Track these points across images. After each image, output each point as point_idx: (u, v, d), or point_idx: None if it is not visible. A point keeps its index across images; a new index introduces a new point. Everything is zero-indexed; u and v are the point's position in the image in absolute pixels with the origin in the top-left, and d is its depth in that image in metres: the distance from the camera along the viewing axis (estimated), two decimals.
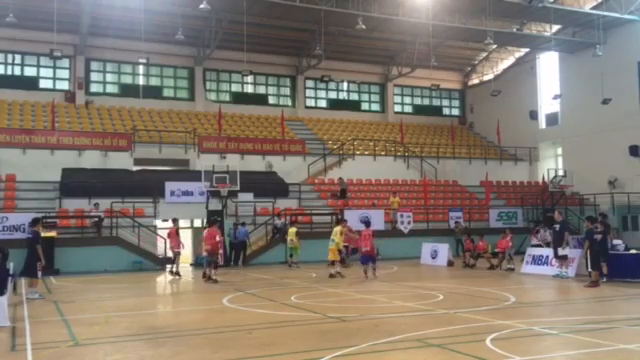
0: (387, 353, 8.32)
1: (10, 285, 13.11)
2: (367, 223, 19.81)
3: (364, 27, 29.33)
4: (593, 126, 34.21)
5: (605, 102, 32.09)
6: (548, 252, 19.08)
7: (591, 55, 33.02)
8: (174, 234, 20.57)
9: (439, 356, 8.17)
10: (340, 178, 30.87)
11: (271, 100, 40.26)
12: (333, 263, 19.21)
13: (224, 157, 30.18)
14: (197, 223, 27.55)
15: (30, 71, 34.57)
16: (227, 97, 38.86)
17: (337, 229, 19.84)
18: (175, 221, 21.00)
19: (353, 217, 27.12)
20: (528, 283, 17.24)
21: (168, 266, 21.81)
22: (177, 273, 20.25)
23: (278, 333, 9.92)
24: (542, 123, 39.22)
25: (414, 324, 10.40)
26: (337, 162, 33.67)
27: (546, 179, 33.47)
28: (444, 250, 23.62)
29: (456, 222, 28.15)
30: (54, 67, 34.46)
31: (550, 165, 36.96)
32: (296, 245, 23.32)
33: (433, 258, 23.91)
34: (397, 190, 30.50)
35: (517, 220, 30.63)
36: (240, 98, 38.86)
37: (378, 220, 26.93)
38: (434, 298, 13.65)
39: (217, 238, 18.73)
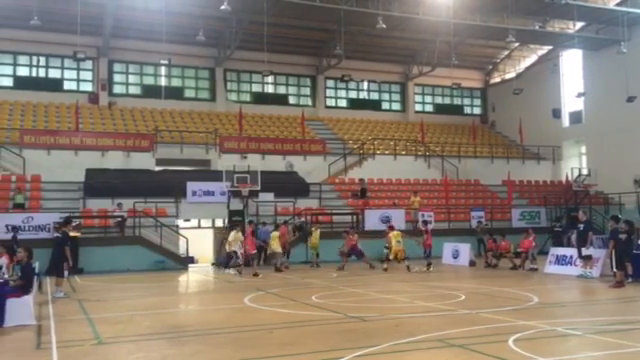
0: (408, 353, 8.29)
1: (35, 284, 13.34)
2: (425, 223, 22.51)
3: (384, 26, 29.22)
4: (618, 124, 33.64)
5: (630, 100, 31.57)
6: (572, 252, 18.85)
7: (615, 52, 32.50)
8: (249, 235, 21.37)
9: (461, 356, 8.11)
10: (361, 179, 30.85)
11: (291, 100, 40.34)
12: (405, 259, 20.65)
13: (245, 157, 30.30)
14: (218, 223, 27.69)
15: (54, 73, 35.11)
16: (248, 97, 39.04)
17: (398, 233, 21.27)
18: (250, 222, 22.43)
19: (374, 217, 27.13)
20: (551, 283, 17.04)
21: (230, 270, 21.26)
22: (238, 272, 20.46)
23: (299, 333, 9.95)
24: (565, 121, 38.71)
25: (435, 324, 10.35)
26: (357, 162, 33.62)
27: (570, 178, 33.04)
28: (466, 250, 23.45)
29: (478, 222, 27.95)
30: (78, 69, 34.95)
31: (574, 164, 36.47)
32: (313, 244, 23.66)
33: (455, 258, 23.76)
34: (418, 190, 30.39)
35: (540, 220, 30.29)
36: (260, 98, 39.01)
37: (399, 220, 26.86)
38: (456, 298, 13.57)
39: (286, 237, 22.84)
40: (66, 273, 15.46)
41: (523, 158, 37.60)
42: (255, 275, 19.60)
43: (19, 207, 23.55)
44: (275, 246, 21.66)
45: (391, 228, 21.87)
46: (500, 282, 16.97)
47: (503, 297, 13.89)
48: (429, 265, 20.78)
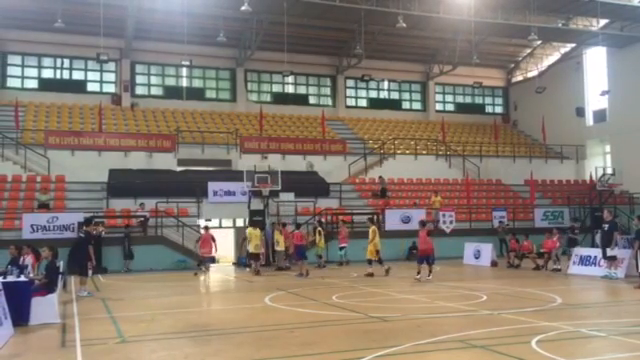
0: (430, 354, 8.25)
1: (60, 283, 13.53)
2: (422, 223, 19.03)
3: (404, 25, 29.14)
4: None
5: None
6: (596, 252, 18.60)
7: None
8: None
9: (483, 357, 8.06)
10: (380, 177, 30.78)
11: (312, 100, 40.38)
12: (370, 262, 19.48)
13: (265, 157, 30.42)
14: (239, 223, 27.85)
15: (78, 75, 35.58)
16: (268, 97, 39.17)
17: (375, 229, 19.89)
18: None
19: (394, 217, 27.05)
20: (575, 284, 16.84)
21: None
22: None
23: (320, 332, 9.96)
24: (589, 120, 38.16)
25: (457, 325, 10.28)
26: (378, 161, 33.54)
27: (594, 177, 32.58)
28: (487, 250, 23.26)
29: (500, 222, 27.71)
30: (101, 70, 35.40)
31: (598, 163, 35.95)
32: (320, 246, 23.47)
33: (476, 258, 23.59)
34: (439, 189, 30.21)
35: (563, 219, 29.92)
36: (281, 98, 39.12)
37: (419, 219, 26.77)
38: (477, 299, 13.47)
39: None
40: (90, 272, 15.64)
41: (546, 157, 37.19)
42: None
43: (44, 207, 23.92)
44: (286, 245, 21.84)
45: (371, 221, 21.16)
46: (522, 282, 16.81)
47: (526, 298, 13.75)
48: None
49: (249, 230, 21.51)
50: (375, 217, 25.07)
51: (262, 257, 22.10)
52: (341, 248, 23.91)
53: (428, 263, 17.88)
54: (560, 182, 35.36)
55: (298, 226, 22.10)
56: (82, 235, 16.55)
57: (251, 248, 21.03)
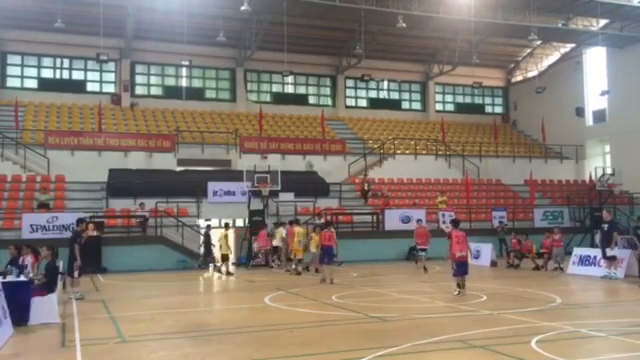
0: (429, 354, 8.26)
1: (60, 283, 13.52)
2: (455, 222, 15.21)
3: (404, 25, 29.16)
4: None
5: None
6: (596, 252, 18.60)
7: None
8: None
9: (482, 357, 8.06)
10: (365, 176, 30.61)
11: (311, 100, 40.38)
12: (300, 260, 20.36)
13: (265, 157, 30.41)
14: (239, 223, 27.85)
15: (78, 75, 35.58)
16: (268, 97, 39.18)
17: (302, 230, 20.64)
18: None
19: (394, 217, 27.01)
20: (575, 284, 16.85)
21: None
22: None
23: (319, 332, 9.96)
24: (589, 120, 38.18)
25: (457, 325, 10.29)
26: (377, 161, 33.53)
27: (593, 177, 32.57)
28: (487, 250, 23.26)
29: (500, 222, 27.71)
30: (100, 70, 35.40)
31: (598, 163, 35.92)
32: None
33: (476, 258, 23.50)
34: (439, 189, 30.18)
35: (563, 219, 29.92)
36: (281, 98, 39.12)
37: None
38: (477, 299, 13.46)
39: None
40: (76, 273, 14.45)
41: (546, 157, 37.20)
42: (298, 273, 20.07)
43: (44, 207, 23.91)
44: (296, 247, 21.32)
45: (294, 223, 21.12)
46: (522, 283, 16.81)
47: (526, 298, 13.75)
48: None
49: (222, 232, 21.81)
50: (296, 219, 24.00)
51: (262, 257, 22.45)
52: (422, 250, 22.09)
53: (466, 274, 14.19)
54: (560, 182, 35.37)
55: (326, 224, 19.69)
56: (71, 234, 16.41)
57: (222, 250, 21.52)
